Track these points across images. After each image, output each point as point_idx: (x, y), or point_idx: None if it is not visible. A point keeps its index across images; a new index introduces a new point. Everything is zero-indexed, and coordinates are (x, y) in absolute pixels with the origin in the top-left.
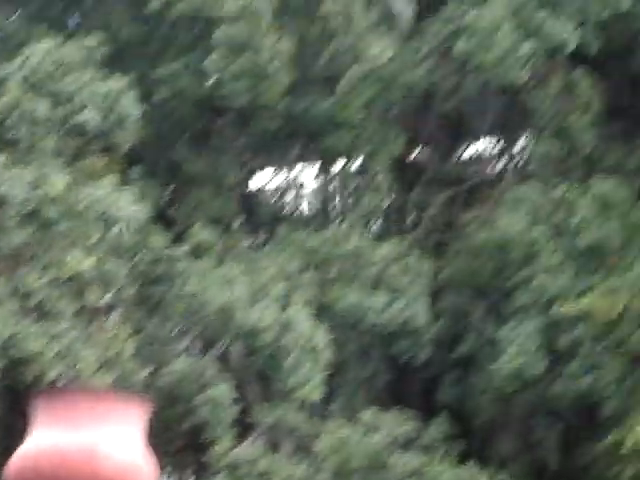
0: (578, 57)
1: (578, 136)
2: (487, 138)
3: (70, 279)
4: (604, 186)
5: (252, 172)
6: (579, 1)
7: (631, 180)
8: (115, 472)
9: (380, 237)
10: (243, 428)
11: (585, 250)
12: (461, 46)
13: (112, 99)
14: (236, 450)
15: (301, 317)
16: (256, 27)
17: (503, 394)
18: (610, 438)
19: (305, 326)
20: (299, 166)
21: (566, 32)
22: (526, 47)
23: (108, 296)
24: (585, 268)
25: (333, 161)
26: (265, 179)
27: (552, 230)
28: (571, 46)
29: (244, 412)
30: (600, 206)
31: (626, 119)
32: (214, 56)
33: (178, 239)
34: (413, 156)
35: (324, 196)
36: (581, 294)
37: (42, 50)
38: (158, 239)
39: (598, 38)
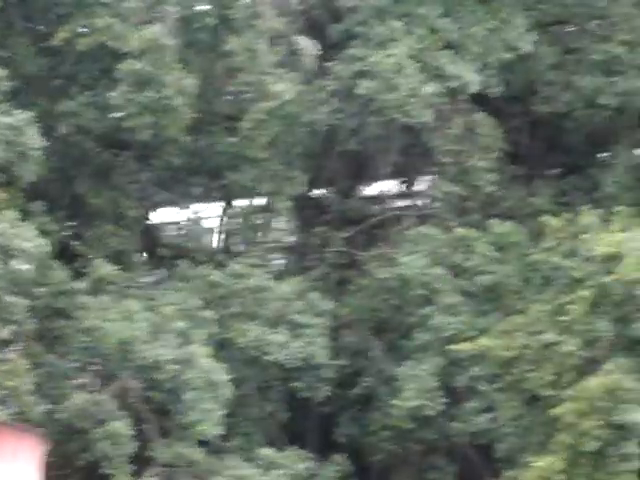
0: (480, 99)
1: (478, 178)
2: (389, 177)
3: None
4: (502, 228)
5: (155, 207)
6: (482, 44)
7: (529, 222)
8: None
9: (282, 274)
10: (141, 463)
11: (483, 290)
12: (365, 86)
13: (15, 133)
14: None
15: (201, 353)
16: (161, 62)
17: (401, 432)
18: (505, 475)
19: (205, 362)
20: (202, 202)
21: (468, 74)
22: (429, 88)
23: (7, 330)
24: (483, 308)
25: (236, 198)
26: (168, 215)
27: (451, 270)
28: (473, 88)
29: (142, 447)
30: (498, 247)
31: (525, 162)
32: (118, 90)
33: (79, 273)
34: (316, 194)
35: (227, 232)
36: (479, 334)
37: None
38: (59, 273)
39: (500, 81)
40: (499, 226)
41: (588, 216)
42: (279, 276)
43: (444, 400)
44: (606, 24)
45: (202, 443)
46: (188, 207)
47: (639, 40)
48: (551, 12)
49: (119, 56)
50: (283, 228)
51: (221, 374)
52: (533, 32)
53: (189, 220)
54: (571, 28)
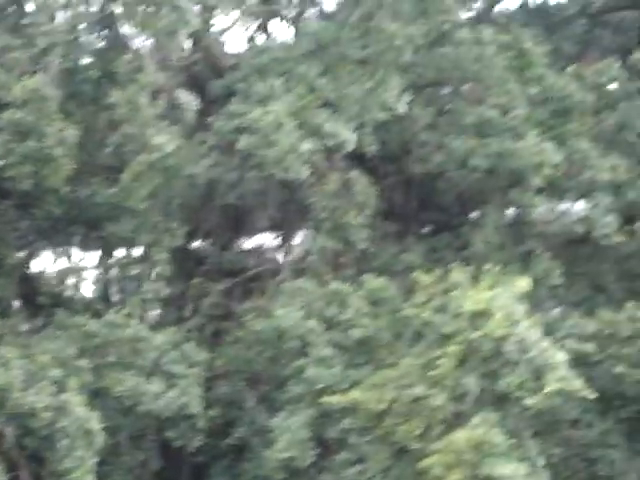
0: (356, 158)
1: (353, 234)
2: (267, 231)
3: None
4: (375, 283)
5: (33, 255)
6: (358, 104)
7: (401, 278)
8: None
9: (158, 324)
10: None
11: (356, 344)
12: (244, 141)
13: None
14: None
15: (76, 401)
16: (42, 113)
17: None
18: None
19: (80, 410)
20: (81, 251)
21: (345, 133)
22: (307, 145)
23: None
24: (355, 361)
25: (115, 248)
26: (46, 263)
27: (325, 323)
28: (349, 146)
29: None
30: (371, 302)
31: (399, 220)
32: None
33: None
34: (194, 246)
35: (104, 282)
36: (351, 386)
37: None
38: None
39: (376, 140)
40: (372, 281)
41: (458, 273)
42: (155, 326)
43: (315, 452)
44: (479, 87)
45: None
46: (67, 256)
47: (511, 103)
48: (426, 74)
49: (1, 106)
50: (160, 279)
51: (95, 422)
52: (408, 93)
53: (68, 269)
54: (445, 90)
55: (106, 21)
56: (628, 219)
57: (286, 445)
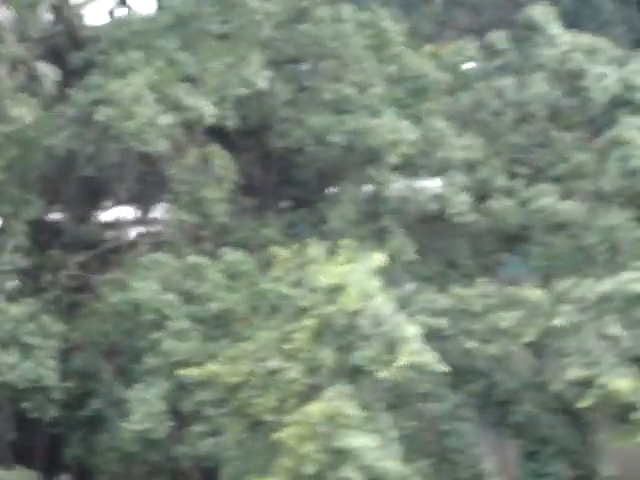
0: (216, 132)
1: (212, 208)
2: (125, 204)
3: None
4: (233, 257)
5: None
6: (218, 79)
7: (259, 252)
8: None
9: (15, 296)
10: None
11: (213, 317)
12: (103, 113)
13: None
14: None
15: None
16: None
17: (128, 454)
18: None
19: None
20: None
21: (205, 107)
22: (166, 119)
23: None
24: (212, 334)
25: None
26: None
27: (183, 296)
28: (209, 121)
29: None
30: (229, 276)
31: (257, 194)
32: None
33: None
34: (52, 218)
35: None
36: (207, 359)
37: None
38: None
39: (236, 115)
40: (230, 255)
41: (315, 248)
42: (12, 298)
43: (171, 424)
44: (337, 64)
45: None
46: None
47: (368, 81)
48: (286, 51)
49: None
50: (18, 251)
51: None
52: (269, 69)
53: None
54: (305, 67)
55: None
56: (481, 197)
57: (142, 417)
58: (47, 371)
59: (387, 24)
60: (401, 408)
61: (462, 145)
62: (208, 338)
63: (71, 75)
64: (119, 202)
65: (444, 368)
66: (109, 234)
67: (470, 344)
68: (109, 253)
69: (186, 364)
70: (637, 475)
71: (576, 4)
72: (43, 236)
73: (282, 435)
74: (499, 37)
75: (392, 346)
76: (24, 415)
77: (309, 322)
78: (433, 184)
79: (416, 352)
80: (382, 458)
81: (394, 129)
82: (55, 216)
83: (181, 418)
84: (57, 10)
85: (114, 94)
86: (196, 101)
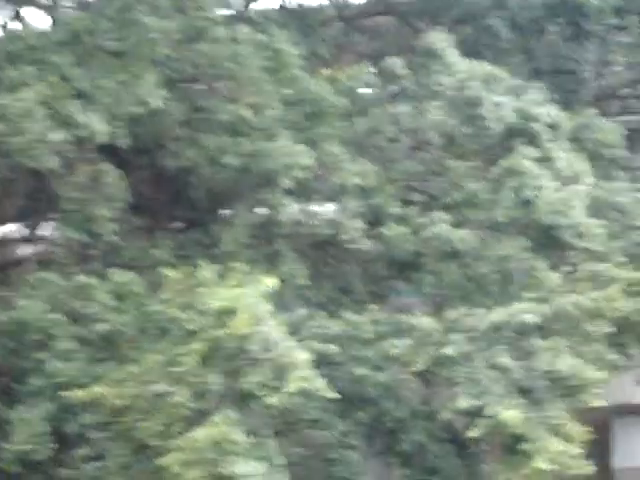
0: (108, 150)
1: (101, 227)
2: (14, 221)
3: None
4: (122, 277)
5: None
6: (111, 96)
7: (148, 273)
8: None
9: None
10: None
11: (100, 338)
12: None
13: None
14: None
15: None
16: None
17: (10, 476)
18: None
19: None
20: None
21: (97, 124)
22: (56, 135)
23: None
24: (98, 356)
25: None
26: None
27: (70, 316)
28: (101, 138)
29: None
30: (117, 296)
31: (148, 214)
32: None
33: None
34: None
35: None
36: (93, 381)
37: None
38: None
39: (128, 134)
40: (119, 275)
41: (206, 271)
42: None
43: (54, 446)
44: (234, 85)
45: None
46: None
47: (264, 103)
48: (182, 70)
49: None
50: None
51: None
52: (164, 88)
53: None
54: (200, 87)
55: None
56: (374, 224)
57: (24, 438)
58: None
59: (284, 46)
60: (289, 435)
61: (357, 171)
62: (94, 360)
63: None
64: (6, 219)
65: (333, 395)
66: None
67: (360, 371)
68: None
69: (71, 385)
70: None
71: (475, 32)
72: None
73: (167, 460)
74: (396, 63)
75: (281, 372)
76: None
77: (198, 346)
78: (327, 209)
79: (305, 378)
80: None
81: (289, 152)
82: None
83: (65, 440)
84: None
85: (4, 109)
86: (88, 118)
